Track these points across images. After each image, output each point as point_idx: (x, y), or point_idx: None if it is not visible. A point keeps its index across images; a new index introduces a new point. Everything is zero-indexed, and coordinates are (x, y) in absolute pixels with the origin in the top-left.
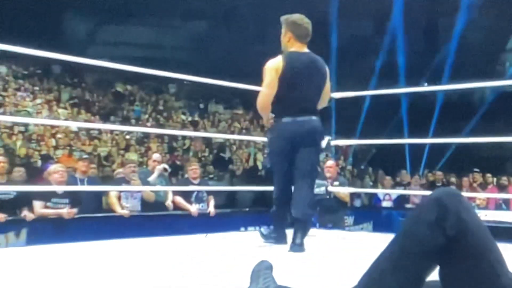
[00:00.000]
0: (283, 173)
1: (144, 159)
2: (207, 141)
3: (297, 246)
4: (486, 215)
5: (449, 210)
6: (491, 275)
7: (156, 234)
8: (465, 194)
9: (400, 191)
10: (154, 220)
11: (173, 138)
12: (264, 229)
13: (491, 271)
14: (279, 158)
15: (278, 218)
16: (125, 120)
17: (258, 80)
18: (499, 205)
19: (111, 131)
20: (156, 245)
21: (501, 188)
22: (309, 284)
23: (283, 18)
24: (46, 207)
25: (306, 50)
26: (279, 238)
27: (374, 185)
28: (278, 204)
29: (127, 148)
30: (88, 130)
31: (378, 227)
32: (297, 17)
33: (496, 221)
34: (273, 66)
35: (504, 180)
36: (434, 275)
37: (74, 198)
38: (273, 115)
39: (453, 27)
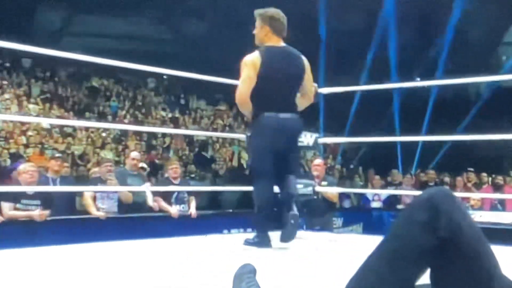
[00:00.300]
0: (267, 171)
1: (121, 158)
2: (189, 139)
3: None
4: (481, 216)
5: (441, 211)
6: (484, 279)
7: (134, 237)
8: (459, 194)
9: (390, 191)
10: (131, 222)
11: (152, 135)
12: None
13: (485, 274)
14: (264, 155)
15: (262, 221)
16: (101, 117)
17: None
18: (495, 206)
19: (86, 128)
20: (135, 248)
21: (497, 188)
22: (290, 286)
23: (258, 13)
24: (16, 209)
25: (282, 44)
26: (263, 243)
27: (364, 185)
28: (262, 205)
29: (103, 146)
30: (61, 127)
31: (369, 229)
32: (274, 11)
33: (491, 223)
34: (251, 61)
35: (499, 179)
36: (425, 278)
37: (46, 199)
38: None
39: (447, 19)
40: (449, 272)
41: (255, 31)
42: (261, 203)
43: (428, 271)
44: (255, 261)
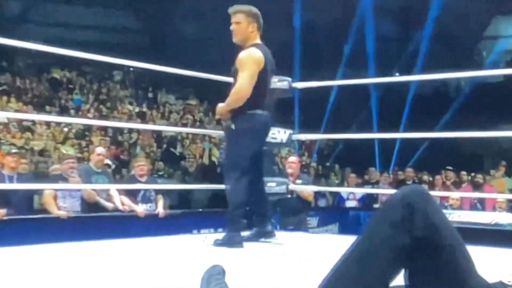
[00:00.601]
0: (251, 169)
1: (85, 154)
2: (157, 135)
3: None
4: (460, 216)
5: (416, 210)
6: (459, 279)
7: (98, 237)
8: (438, 193)
9: (366, 190)
10: (95, 222)
11: (118, 131)
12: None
13: (460, 274)
14: (252, 151)
15: (237, 220)
16: (63, 111)
17: (213, 69)
18: (474, 205)
19: (47, 123)
20: (97, 249)
21: (476, 186)
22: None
23: (241, 9)
24: None
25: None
26: (235, 242)
27: (341, 184)
28: (241, 203)
29: (64, 142)
30: (19, 121)
31: (345, 229)
32: (256, 8)
33: (470, 222)
34: (259, 59)
35: (479, 178)
36: (399, 279)
37: (1, 198)
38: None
39: (427, 12)
40: (424, 272)
41: (237, 27)
42: (240, 201)
43: (403, 271)
44: (223, 261)
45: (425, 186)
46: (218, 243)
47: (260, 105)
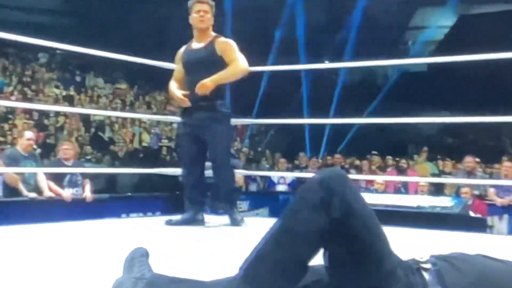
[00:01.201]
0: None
1: (8, 138)
2: (85, 119)
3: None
4: (384, 199)
5: (334, 192)
6: (375, 258)
7: (22, 222)
8: (364, 177)
9: (295, 174)
10: (18, 206)
11: (44, 114)
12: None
13: (376, 253)
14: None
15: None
16: None
17: (144, 51)
18: (398, 189)
19: None
20: (22, 234)
21: (400, 171)
22: (187, 270)
23: (212, 3)
24: None
25: None
26: (239, 221)
27: (271, 168)
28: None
29: None
30: None
31: (275, 213)
32: None
33: (394, 205)
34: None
35: (403, 162)
36: (319, 259)
37: None
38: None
39: (355, 2)
40: (341, 252)
41: (209, 18)
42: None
43: (322, 251)
44: (148, 244)
45: (353, 171)
46: (234, 223)
47: None
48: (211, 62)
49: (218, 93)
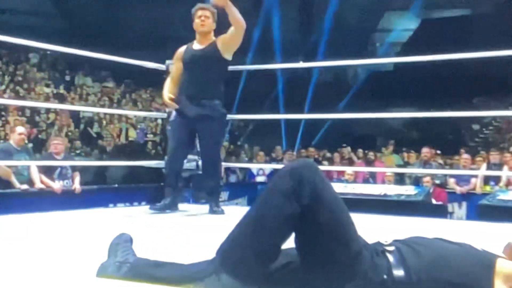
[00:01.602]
0: None
1: (1, 134)
2: (74, 116)
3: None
4: (354, 188)
5: (305, 180)
6: (343, 241)
7: (15, 212)
8: (335, 168)
9: (272, 165)
10: (10, 198)
11: (36, 111)
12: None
13: (344, 237)
14: None
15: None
16: None
17: (131, 52)
18: (367, 179)
19: None
20: (16, 223)
21: (368, 162)
22: (168, 254)
23: (213, 10)
24: None
25: None
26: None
27: (250, 161)
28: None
29: None
30: None
31: (253, 202)
32: None
33: (363, 194)
34: None
35: (371, 155)
36: (290, 242)
37: None
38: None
39: (327, 5)
40: (311, 236)
41: (210, 23)
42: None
43: (293, 235)
44: (133, 230)
45: (326, 162)
46: (214, 211)
47: None
48: (212, 60)
49: (218, 93)
